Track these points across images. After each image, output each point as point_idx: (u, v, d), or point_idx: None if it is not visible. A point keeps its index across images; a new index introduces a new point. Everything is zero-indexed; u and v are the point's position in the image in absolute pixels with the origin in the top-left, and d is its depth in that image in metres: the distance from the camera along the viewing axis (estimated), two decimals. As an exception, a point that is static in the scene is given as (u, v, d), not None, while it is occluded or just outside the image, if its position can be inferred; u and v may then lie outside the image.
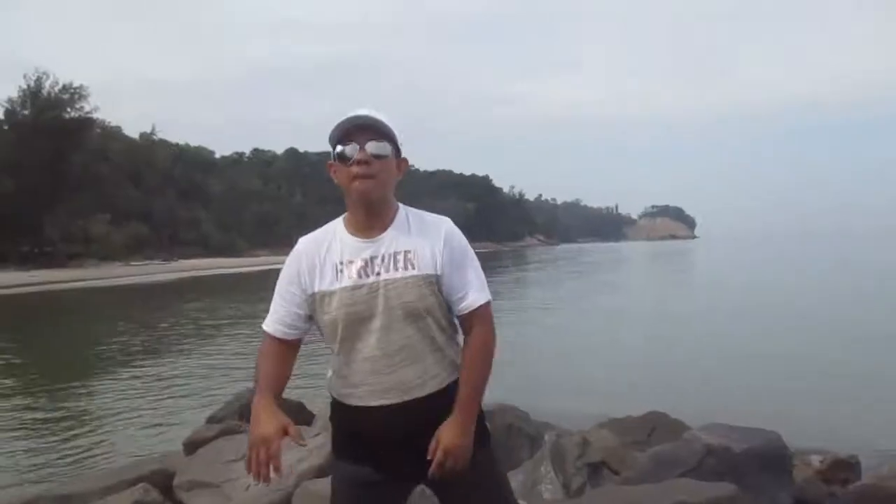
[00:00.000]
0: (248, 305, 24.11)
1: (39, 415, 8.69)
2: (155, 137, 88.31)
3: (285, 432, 1.82)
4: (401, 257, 1.93)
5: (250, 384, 8.15)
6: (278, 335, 2.00)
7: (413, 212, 2.04)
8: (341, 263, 1.95)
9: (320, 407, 5.04)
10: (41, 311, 26.76)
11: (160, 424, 7.75)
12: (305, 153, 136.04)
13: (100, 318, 22.95)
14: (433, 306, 1.94)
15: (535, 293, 27.55)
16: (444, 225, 2.01)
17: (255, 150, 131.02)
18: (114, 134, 79.67)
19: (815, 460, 5.75)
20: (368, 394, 1.92)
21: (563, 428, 5.61)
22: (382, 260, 1.93)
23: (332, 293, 1.93)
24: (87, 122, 62.77)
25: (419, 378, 1.92)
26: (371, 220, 1.97)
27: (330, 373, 2.05)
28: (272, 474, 1.81)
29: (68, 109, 60.76)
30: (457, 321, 2.02)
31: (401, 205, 2.05)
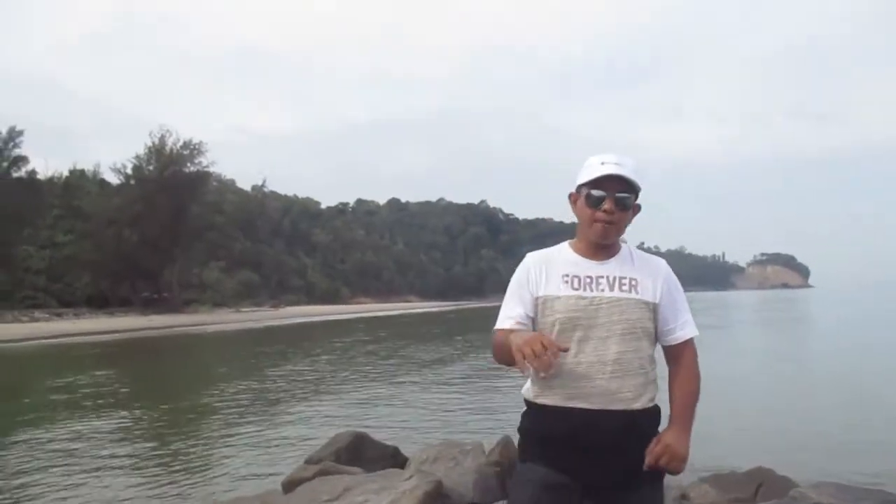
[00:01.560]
0: (352, 352, 24.62)
1: (148, 451, 9.13)
2: (266, 190, 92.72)
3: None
4: (626, 282, 2.13)
5: (348, 427, 8.32)
6: (512, 328, 2.12)
7: (635, 249, 2.24)
8: (567, 275, 2.13)
9: (413, 451, 5.10)
10: (157, 353, 28.24)
11: (260, 464, 8.00)
12: (407, 203, 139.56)
13: (209, 361, 23.99)
14: (649, 331, 2.13)
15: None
16: (664, 264, 2.24)
17: (359, 201, 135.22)
18: (228, 187, 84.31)
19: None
20: (575, 395, 2.05)
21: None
22: (608, 280, 2.12)
23: (557, 298, 2.11)
24: (204, 176, 66.42)
25: (625, 392, 2.06)
26: (598, 250, 2.17)
27: (528, 382, 2.18)
28: (552, 361, 1.86)
29: (188, 164, 64.69)
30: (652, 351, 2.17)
31: (621, 241, 2.24)
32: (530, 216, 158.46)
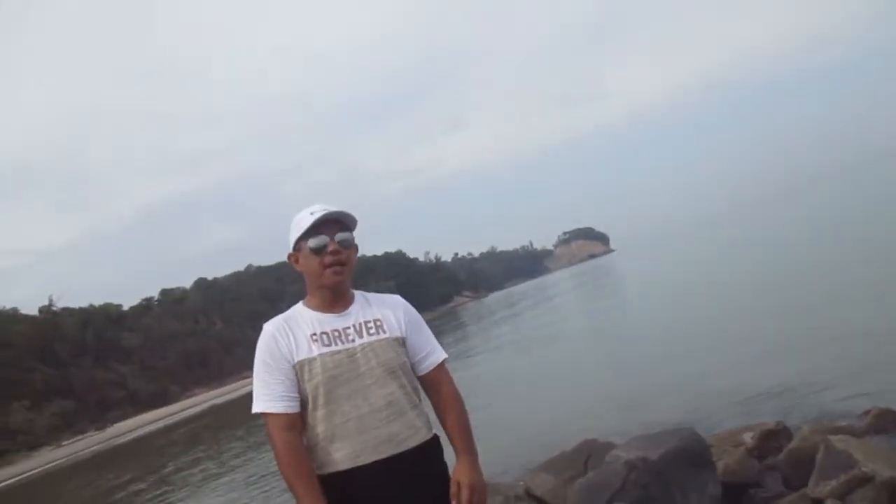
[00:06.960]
0: (182, 459, 23.28)
1: None
2: (55, 308, 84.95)
3: None
4: (371, 324, 2.17)
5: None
6: (286, 410, 2.05)
7: (367, 293, 2.30)
8: (314, 334, 2.11)
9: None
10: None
11: None
12: (215, 280, 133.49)
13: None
14: (405, 366, 2.18)
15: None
16: (399, 298, 2.34)
17: (163, 291, 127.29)
18: (11, 317, 76.34)
19: (748, 437, 6.00)
20: (361, 451, 2.03)
21: (499, 482, 5.67)
22: (355, 329, 2.14)
23: (312, 360, 2.08)
24: (-23, 314, 59.88)
25: (406, 431, 2.09)
26: (336, 300, 2.19)
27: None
28: None
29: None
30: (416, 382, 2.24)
31: (351, 290, 2.26)
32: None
